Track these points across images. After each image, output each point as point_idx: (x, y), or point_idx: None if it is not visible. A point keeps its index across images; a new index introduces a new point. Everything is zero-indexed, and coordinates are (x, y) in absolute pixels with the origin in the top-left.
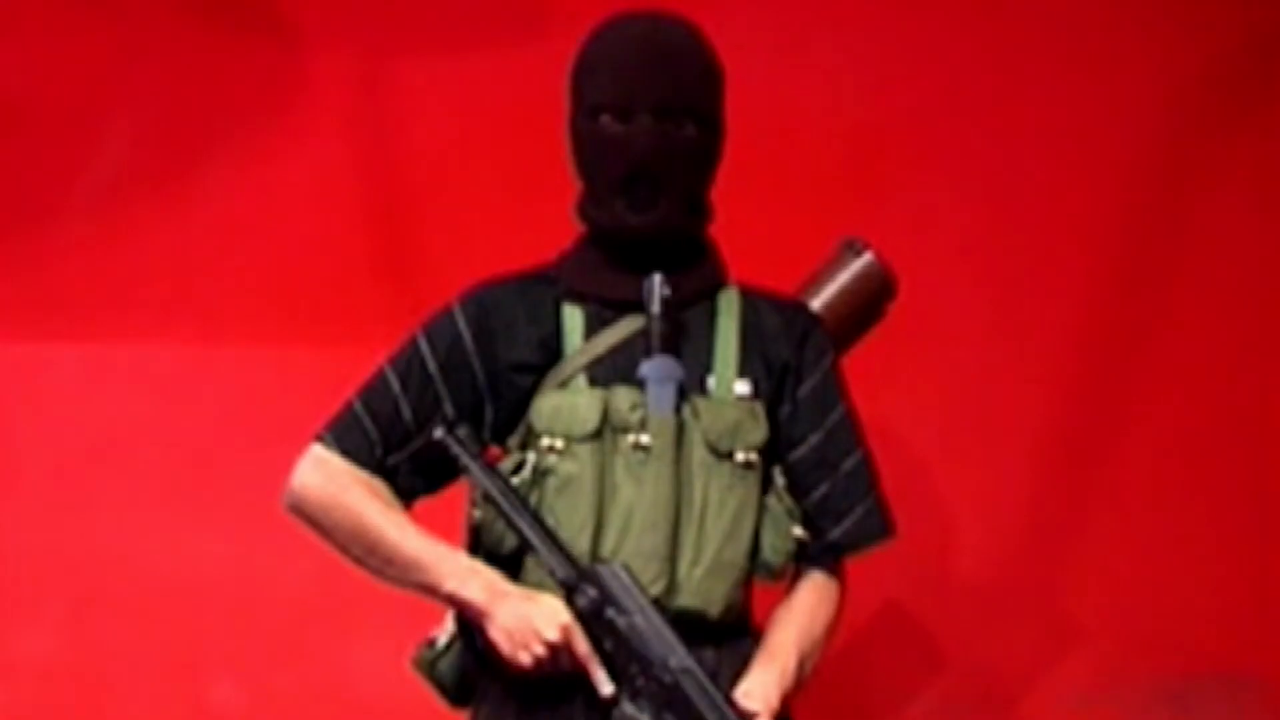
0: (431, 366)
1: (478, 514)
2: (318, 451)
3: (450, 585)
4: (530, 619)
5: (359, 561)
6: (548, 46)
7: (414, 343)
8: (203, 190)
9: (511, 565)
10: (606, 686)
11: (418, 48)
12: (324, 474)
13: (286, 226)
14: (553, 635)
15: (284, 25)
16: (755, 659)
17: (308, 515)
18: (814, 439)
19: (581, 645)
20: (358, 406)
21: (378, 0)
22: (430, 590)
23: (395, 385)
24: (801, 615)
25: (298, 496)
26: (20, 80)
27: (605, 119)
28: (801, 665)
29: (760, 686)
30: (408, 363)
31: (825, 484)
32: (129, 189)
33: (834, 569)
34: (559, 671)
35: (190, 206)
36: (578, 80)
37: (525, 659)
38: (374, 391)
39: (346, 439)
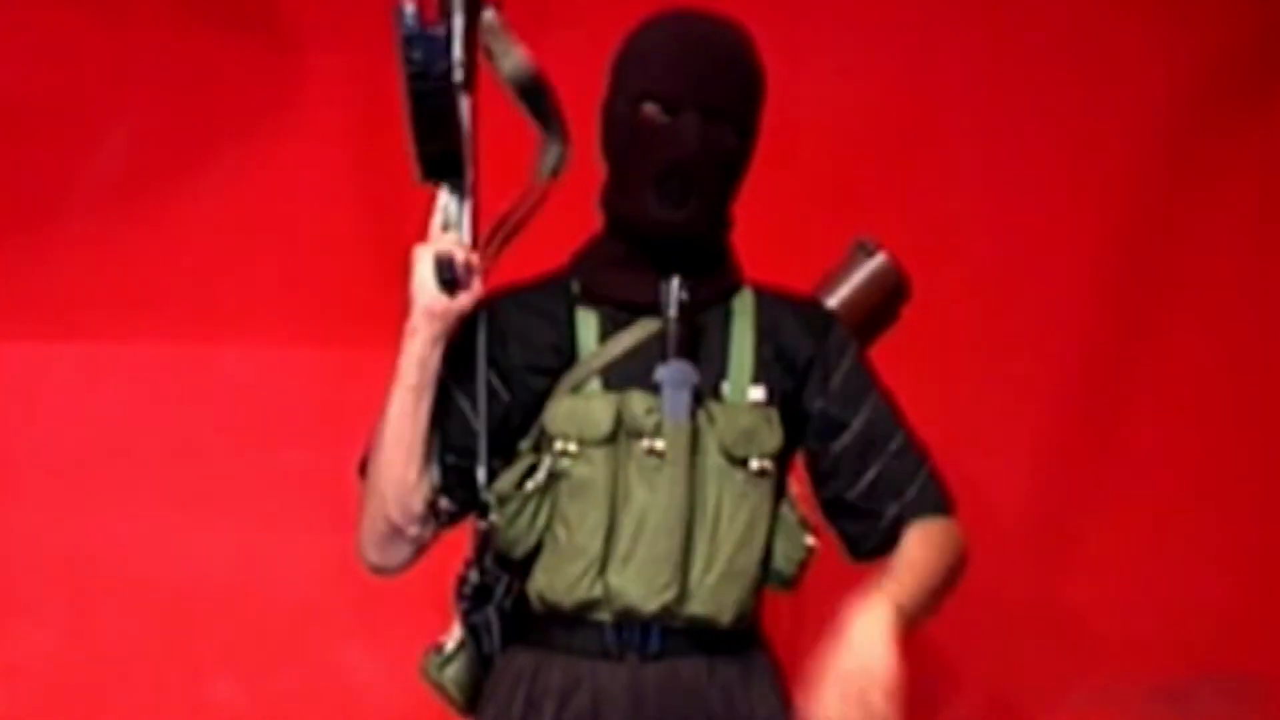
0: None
1: (483, 524)
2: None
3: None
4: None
5: (416, 457)
6: (548, 46)
7: None
8: (202, 191)
9: (523, 568)
10: None
11: None
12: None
13: (286, 226)
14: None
15: (284, 25)
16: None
17: (382, 537)
18: (857, 424)
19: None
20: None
21: (378, 0)
22: (414, 385)
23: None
24: (917, 548)
25: (368, 563)
26: (20, 80)
27: (651, 108)
28: (922, 586)
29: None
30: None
31: (877, 464)
32: (129, 189)
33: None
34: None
35: (190, 207)
36: (624, 65)
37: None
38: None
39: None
